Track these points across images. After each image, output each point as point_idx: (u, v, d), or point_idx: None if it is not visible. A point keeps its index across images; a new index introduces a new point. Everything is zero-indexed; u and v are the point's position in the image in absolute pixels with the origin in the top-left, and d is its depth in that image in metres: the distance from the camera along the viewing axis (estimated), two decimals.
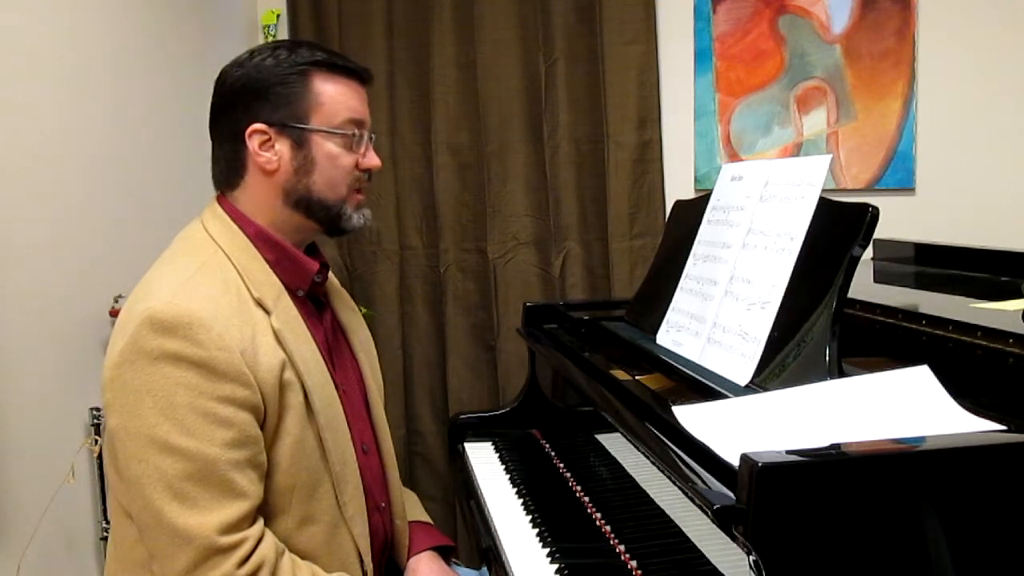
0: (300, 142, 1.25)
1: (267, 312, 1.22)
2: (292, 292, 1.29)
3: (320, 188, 1.27)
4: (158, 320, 1.11)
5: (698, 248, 1.52)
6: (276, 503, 1.19)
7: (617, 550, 1.30)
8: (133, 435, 1.11)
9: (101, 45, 2.04)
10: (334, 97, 1.26)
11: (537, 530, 1.45)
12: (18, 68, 1.77)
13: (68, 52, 1.92)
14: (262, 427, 1.17)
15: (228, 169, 1.29)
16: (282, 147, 1.25)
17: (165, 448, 1.10)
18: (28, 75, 1.80)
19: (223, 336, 1.13)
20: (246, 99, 1.25)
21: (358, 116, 1.29)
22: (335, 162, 1.27)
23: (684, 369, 1.35)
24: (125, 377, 1.12)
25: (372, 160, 1.31)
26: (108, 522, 1.92)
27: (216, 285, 1.19)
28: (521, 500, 1.58)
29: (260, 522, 1.16)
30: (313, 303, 1.35)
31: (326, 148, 1.26)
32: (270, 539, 1.15)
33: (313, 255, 1.36)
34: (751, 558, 0.83)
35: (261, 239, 1.27)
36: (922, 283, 1.77)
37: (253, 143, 1.25)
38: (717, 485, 0.93)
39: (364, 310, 2.14)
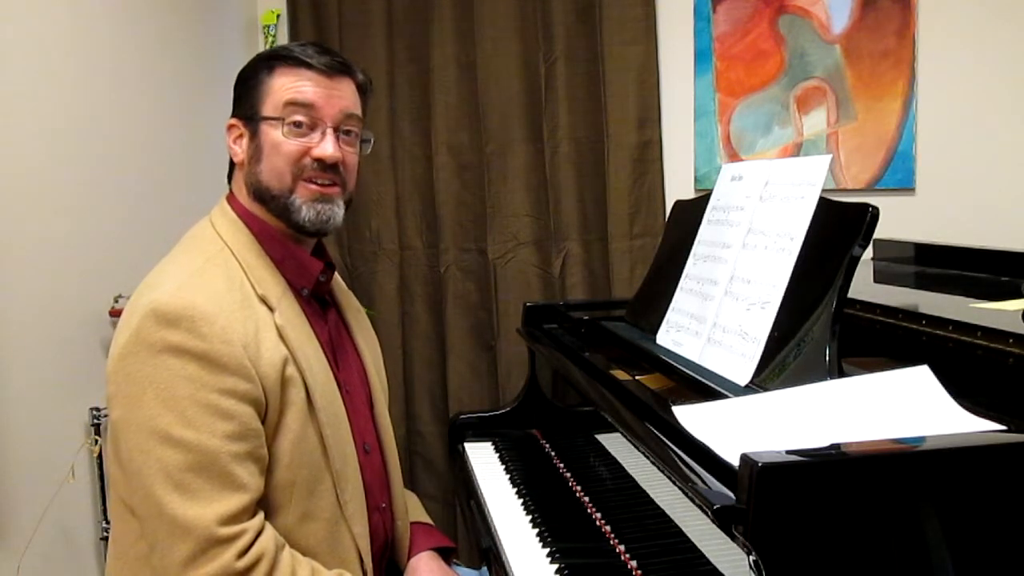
0: (254, 132, 1.28)
1: (271, 309, 1.22)
2: (296, 291, 1.29)
3: (267, 177, 1.27)
4: (162, 313, 1.12)
5: (698, 248, 1.52)
6: (277, 498, 1.19)
7: (617, 550, 1.30)
8: (135, 426, 1.12)
9: (101, 45, 2.03)
10: (283, 84, 1.27)
11: (537, 530, 1.45)
12: (18, 68, 1.77)
13: (68, 52, 1.92)
14: (263, 421, 1.17)
15: (229, 166, 1.34)
16: (245, 139, 1.29)
17: (167, 439, 1.10)
18: (28, 75, 1.80)
19: (226, 330, 1.14)
20: (234, 97, 1.32)
21: (302, 99, 1.25)
22: (278, 149, 1.26)
23: (684, 369, 1.35)
24: (128, 369, 1.13)
25: (323, 150, 1.25)
26: (108, 522, 1.92)
27: (220, 281, 1.20)
28: (521, 500, 1.58)
29: (260, 515, 1.16)
30: (318, 302, 1.36)
31: (271, 136, 1.26)
32: (270, 532, 1.16)
33: (319, 255, 1.37)
34: (751, 558, 0.83)
35: (266, 237, 1.28)
36: (922, 283, 1.77)
37: (229, 138, 1.30)
38: (717, 485, 0.93)
39: (364, 310, 2.14)
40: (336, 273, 1.43)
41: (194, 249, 1.26)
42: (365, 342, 1.45)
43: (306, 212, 1.26)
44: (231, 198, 1.32)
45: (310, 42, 1.37)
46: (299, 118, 1.25)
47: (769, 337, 1.23)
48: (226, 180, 1.37)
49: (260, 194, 1.28)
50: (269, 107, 1.26)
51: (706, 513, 0.91)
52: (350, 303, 1.48)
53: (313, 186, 1.27)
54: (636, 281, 2.30)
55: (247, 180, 1.29)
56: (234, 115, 1.31)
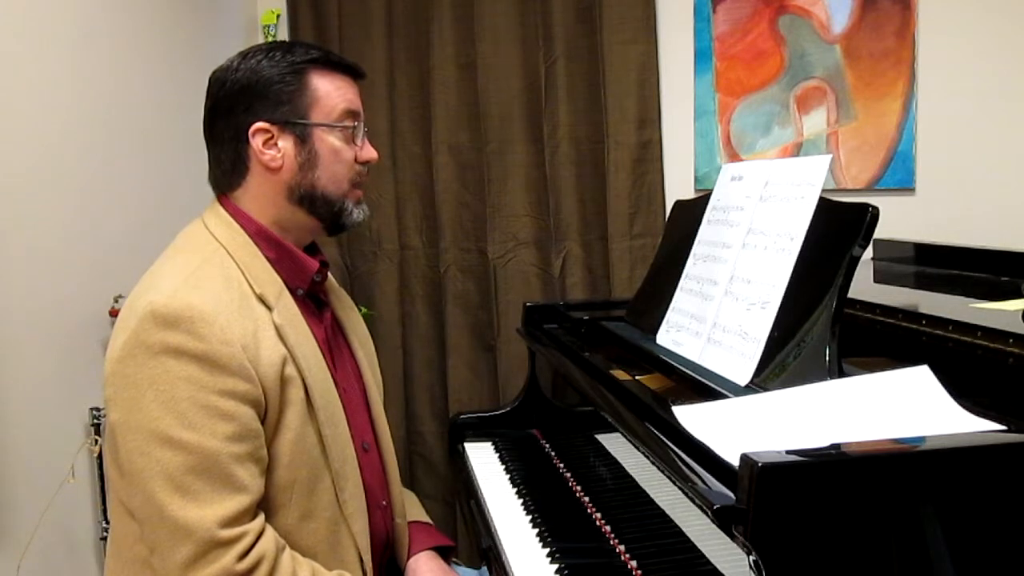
0: (303, 138, 1.27)
1: (269, 308, 1.22)
2: (292, 291, 1.29)
3: (324, 183, 1.29)
4: (160, 314, 1.12)
5: (698, 248, 1.52)
6: (276, 498, 1.19)
7: (617, 550, 1.30)
8: (135, 429, 1.11)
9: (101, 45, 2.03)
10: (330, 92, 1.28)
11: (537, 530, 1.45)
12: (17, 68, 1.77)
13: (68, 52, 1.92)
14: (263, 422, 1.17)
15: (230, 170, 1.29)
16: (285, 144, 1.26)
17: (167, 441, 1.10)
18: (27, 75, 1.80)
19: (225, 330, 1.13)
20: (247, 99, 1.26)
21: (354, 108, 1.31)
22: (338, 156, 1.29)
23: (684, 369, 1.35)
24: (127, 371, 1.12)
25: (369, 152, 1.33)
26: (108, 522, 1.92)
27: (218, 281, 1.19)
28: (521, 500, 1.58)
29: (261, 517, 1.16)
30: (313, 302, 1.36)
31: (328, 142, 1.28)
32: (270, 534, 1.16)
33: (313, 254, 1.36)
34: (751, 558, 0.83)
35: (262, 237, 1.28)
36: (922, 283, 1.77)
37: (256, 141, 1.25)
38: (717, 485, 0.93)
39: (364, 310, 2.14)
40: (329, 273, 1.43)
41: (189, 250, 1.25)
42: (359, 341, 1.45)
43: (357, 214, 1.33)
44: (223, 200, 1.30)
45: (311, 44, 1.36)
46: (352, 124, 1.30)
47: (769, 337, 1.23)
48: (212, 185, 1.33)
49: (311, 198, 1.28)
50: (321, 114, 1.27)
51: (706, 513, 0.91)
52: (344, 302, 1.48)
53: (359, 190, 1.33)
54: (636, 281, 2.30)
55: (290, 184, 1.27)
56: (262, 119, 1.24)
